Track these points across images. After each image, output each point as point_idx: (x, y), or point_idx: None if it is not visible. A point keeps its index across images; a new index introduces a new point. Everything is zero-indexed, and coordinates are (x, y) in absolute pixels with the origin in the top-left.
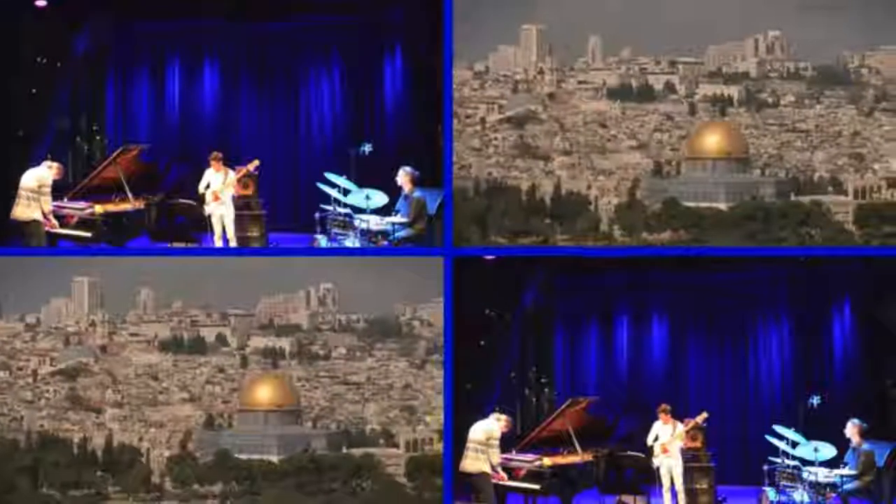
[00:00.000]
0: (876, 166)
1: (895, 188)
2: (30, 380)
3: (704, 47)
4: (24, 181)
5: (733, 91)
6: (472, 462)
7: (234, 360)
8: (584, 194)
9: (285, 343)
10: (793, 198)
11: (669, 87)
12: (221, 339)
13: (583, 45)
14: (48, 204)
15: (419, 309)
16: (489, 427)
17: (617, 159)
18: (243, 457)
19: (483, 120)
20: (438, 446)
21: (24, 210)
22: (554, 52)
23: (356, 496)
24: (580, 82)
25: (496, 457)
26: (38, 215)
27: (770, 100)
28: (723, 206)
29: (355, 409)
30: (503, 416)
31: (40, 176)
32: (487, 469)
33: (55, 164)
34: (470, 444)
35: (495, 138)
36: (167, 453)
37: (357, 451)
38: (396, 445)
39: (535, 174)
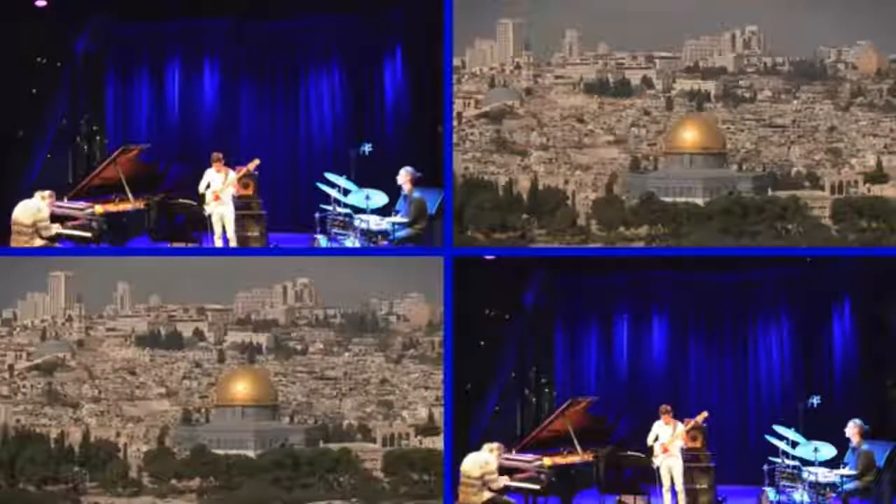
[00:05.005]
0: (853, 161)
1: (872, 183)
2: (6, 375)
3: (681, 42)
4: (18, 217)
5: (710, 86)
6: (470, 496)
7: (211, 355)
8: (561, 189)
9: (262, 338)
10: (770, 193)
11: (646, 82)
12: (198, 334)
13: (559, 40)
14: (49, 230)
15: (395, 304)
16: (484, 460)
17: (594, 154)
18: (220, 451)
19: (459, 115)
20: (415, 441)
21: (27, 242)
22: (531, 46)
23: (333, 490)
24: (557, 77)
25: (499, 483)
26: (40, 243)
27: (747, 95)
28: (700, 200)
29: (332, 403)
30: (495, 445)
31: (35, 210)
32: (486, 495)
33: (47, 193)
34: (465, 480)
35: (472, 133)
36: (144, 448)
37: (334, 446)
38: (373, 440)
39: (511, 169)
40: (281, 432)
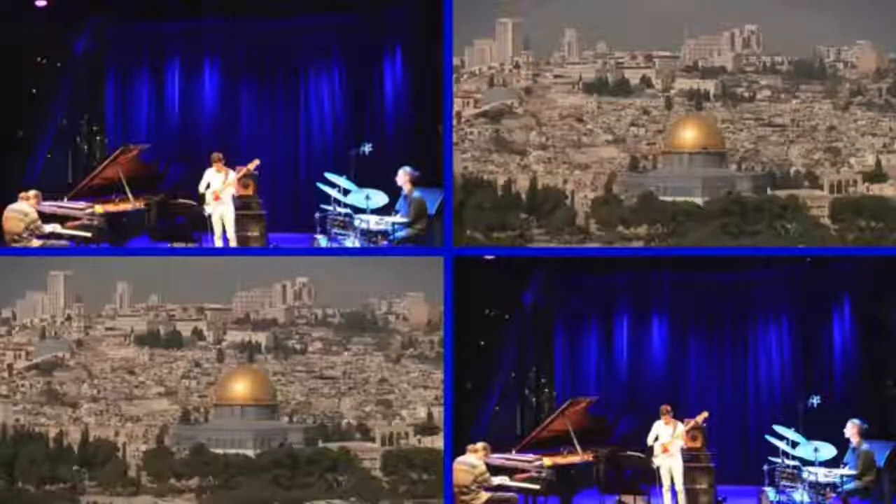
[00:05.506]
0: (851, 160)
1: (870, 182)
2: (5, 374)
3: (680, 42)
4: (9, 227)
5: (709, 85)
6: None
7: (210, 354)
8: (560, 189)
9: (261, 337)
10: (769, 192)
11: (646, 82)
12: (198, 334)
13: (559, 40)
14: (43, 229)
15: (395, 304)
16: (471, 465)
17: (593, 154)
18: (219, 451)
19: (458, 114)
20: (414, 440)
21: (25, 244)
22: (530, 46)
23: (332, 490)
24: (556, 76)
25: (492, 482)
26: (38, 243)
27: (746, 94)
28: (699, 200)
29: (331, 403)
30: (479, 446)
31: (22, 215)
32: (484, 496)
33: (31, 193)
34: (460, 489)
35: (471, 133)
36: (143, 448)
37: (333, 446)
38: (372, 440)
39: (510, 169)
40: (280, 432)
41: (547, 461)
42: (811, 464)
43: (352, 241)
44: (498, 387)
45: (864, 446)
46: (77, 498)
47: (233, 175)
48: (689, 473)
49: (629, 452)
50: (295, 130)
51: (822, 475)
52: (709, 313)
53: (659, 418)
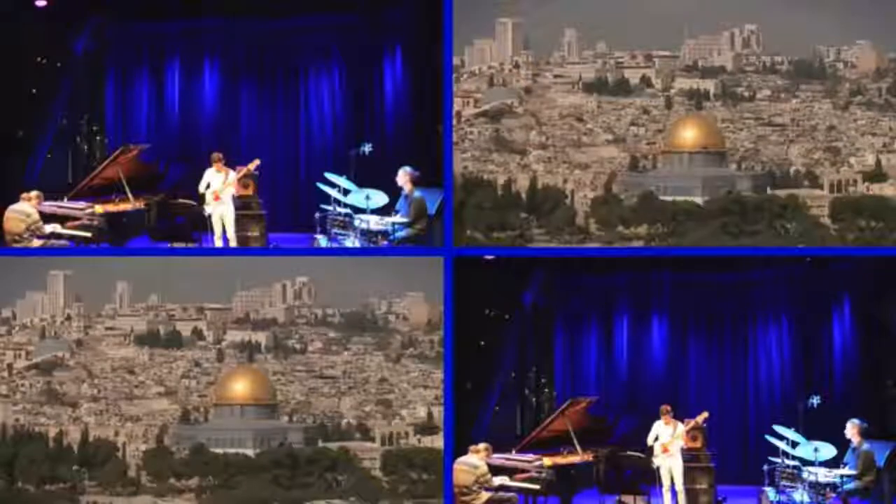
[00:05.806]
0: (851, 160)
1: (870, 182)
2: (5, 374)
3: (680, 41)
4: (10, 227)
5: (709, 85)
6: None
7: (210, 354)
8: (560, 188)
9: (261, 337)
10: (769, 192)
11: (646, 81)
12: (197, 333)
13: (559, 39)
14: (44, 229)
15: (395, 303)
16: (473, 465)
17: (593, 153)
18: (219, 451)
19: (458, 114)
20: (414, 440)
21: (26, 244)
22: (530, 45)
23: (332, 490)
24: (556, 76)
25: (494, 482)
26: (38, 243)
27: (746, 94)
28: (699, 199)
29: (331, 402)
30: (481, 447)
31: (24, 216)
32: (485, 496)
33: (33, 194)
34: (461, 490)
35: (471, 132)
36: (143, 447)
37: (333, 445)
38: (372, 439)
39: (510, 168)
40: (280, 431)
41: (547, 461)
42: (811, 464)
43: (352, 241)
44: (498, 387)
45: (864, 446)
46: (77, 498)
47: (233, 175)
48: (689, 473)
49: (629, 452)
50: (295, 130)
51: (822, 475)
52: (709, 313)
53: (659, 418)
